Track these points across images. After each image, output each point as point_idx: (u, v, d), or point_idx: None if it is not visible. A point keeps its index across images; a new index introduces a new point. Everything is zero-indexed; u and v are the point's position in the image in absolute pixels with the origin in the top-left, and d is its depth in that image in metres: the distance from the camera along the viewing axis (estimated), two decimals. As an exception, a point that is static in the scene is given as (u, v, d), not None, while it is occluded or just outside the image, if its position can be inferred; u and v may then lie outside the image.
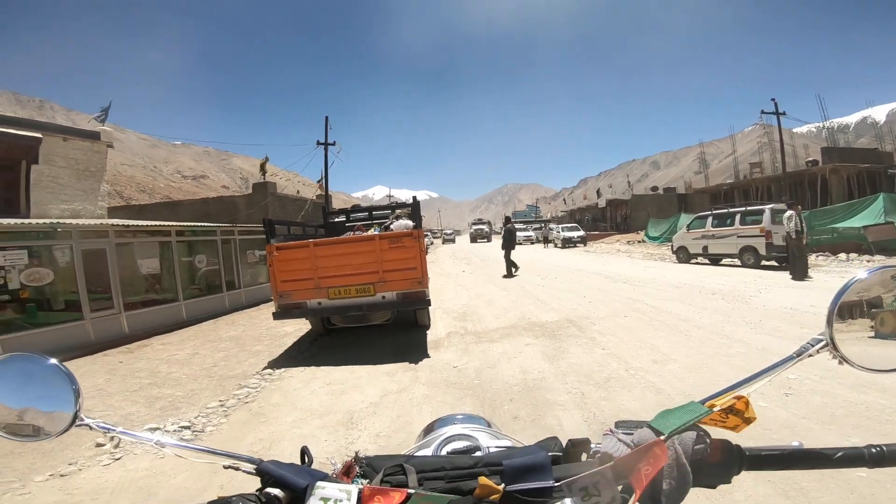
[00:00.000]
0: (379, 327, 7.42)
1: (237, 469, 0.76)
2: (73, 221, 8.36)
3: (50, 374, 0.83)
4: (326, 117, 21.37)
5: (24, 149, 9.67)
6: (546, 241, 36.66)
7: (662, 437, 0.59)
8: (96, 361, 6.93)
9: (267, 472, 0.69)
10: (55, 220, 8.17)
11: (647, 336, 6.00)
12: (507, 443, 1.01)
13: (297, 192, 27.41)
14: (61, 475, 3.40)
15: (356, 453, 0.77)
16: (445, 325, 7.76)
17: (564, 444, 0.72)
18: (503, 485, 0.63)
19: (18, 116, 12.61)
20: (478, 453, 0.95)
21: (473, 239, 47.95)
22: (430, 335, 7.09)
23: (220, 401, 4.85)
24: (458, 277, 14.74)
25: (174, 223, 10.56)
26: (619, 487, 0.61)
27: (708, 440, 0.60)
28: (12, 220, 7.84)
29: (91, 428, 0.82)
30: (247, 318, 10.17)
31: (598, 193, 53.86)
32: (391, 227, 7.37)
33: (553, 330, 6.72)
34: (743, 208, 13.60)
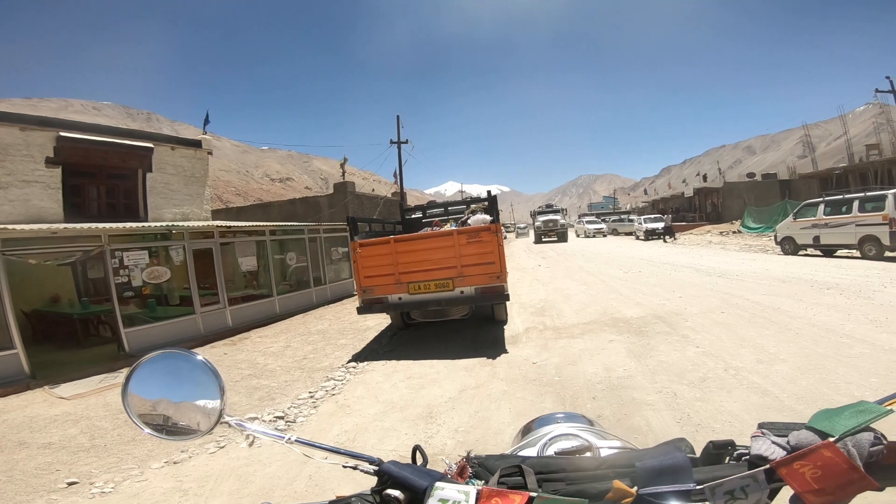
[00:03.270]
0: (457, 322, 7.48)
1: (355, 468, 0.77)
2: (185, 224, 9.32)
3: (198, 371, 0.87)
4: (398, 116, 21.93)
5: (140, 158, 10.88)
6: (618, 233, 34.85)
7: (832, 439, 0.55)
8: (205, 353, 7.58)
9: (388, 473, 0.69)
10: (170, 223, 9.17)
11: (749, 334, 5.48)
12: (618, 443, 0.97)
13: (373, 189, 28.44)
14: (174, 462, 3.69)
15: (468, 453, 0.76)
16: (523, 320, 7.64)
17: (703, 447, 0.67)
18: (636, 487, 0.60)
19: (132, 128, 14.18)
20: (588, 453, 0.91)
21: (539, 238, 31.04)
22: (508, 330, 7.02)
23: (310, 392, 5.12)
24: (534, 272, 14.46)
25: (268, 223, 11.41)
26: (766, 491, 0.57)
27: (885, 441, 0.56)
28: (135, 224, 8.91)
29: (230, 426, 0.85)
30: (332, 313, 10.72)
31: (685, 182, 49.46)
32: (468, 221, 7.38)
33: (639, 326, 6.36)
34: (861, 194, 11.94)
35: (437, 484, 0.64)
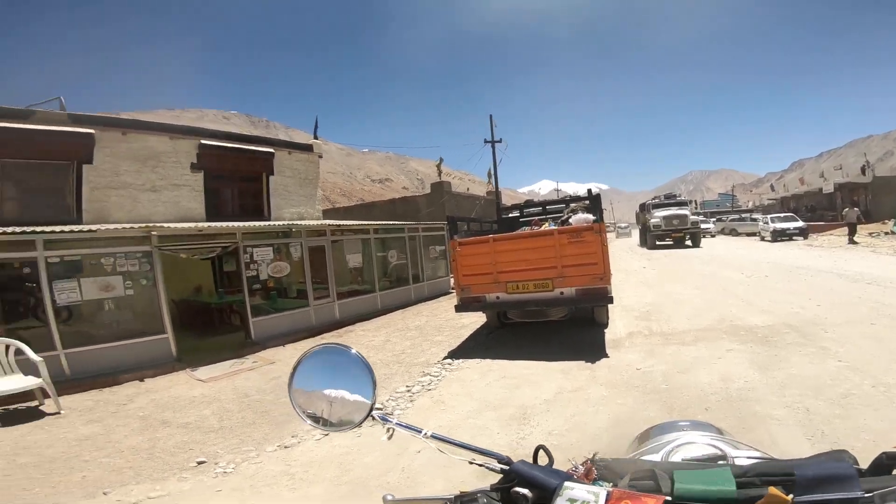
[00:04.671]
0: (554, 323, 7.28)
1: (482, 466, 0.79)
2: (303, 222, 10.22)
3: (354, 366, 0.93)
4: (490, 115, 21.91)
5: (264, 162, 12.13)
6: (737, 233, 30.74)
7: None
8: (314, 343, 8.21)
9: (517, 472, 0.71)
10: (290, 222, 10.11)
11: None
12: (756, 454, 0.88)
13: (468, 189, 28.79)
14: (285, 447, 3.95)
15: (594, 455, 0.75)
16: (626, 324, 7.24)
17: (872, 458, 0.63)
18: (791, 496, 0.57)
19: (256, 135, 15.77)
20: (721, 462, 0.84)
21: (653, 241, 22.84)
22: (609, 334, 6.69)
23: (407, 386, 5.28)
24: (638, 273, 13.59)
25: (372, 223, 12.08)
26: None
27: None
28: (263, 223, 9.94)
29: (373, 419, 0.91)
30: (429, 310, 11.02)
31: (823, 176, 42.57)
32: (569, 221, 7.15)
33: (765, 335, 5.71)
34: None
35: (566, 484, 0.65)
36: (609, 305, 6.72)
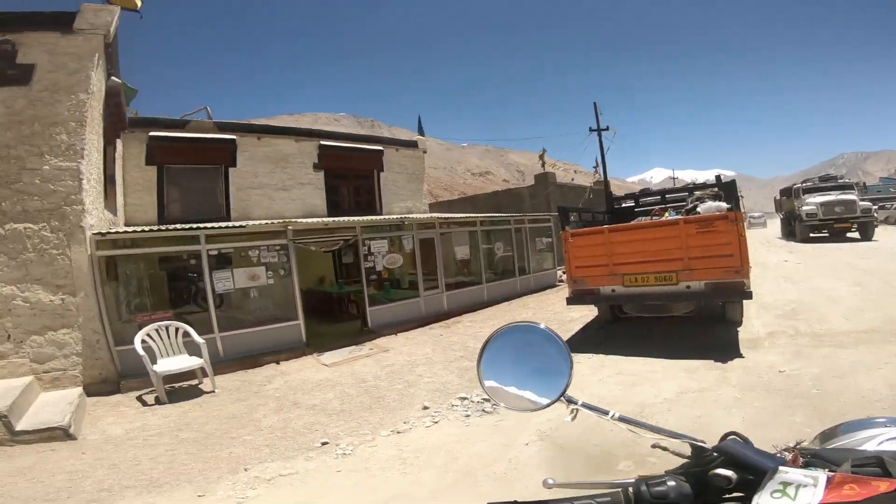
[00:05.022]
0: (672, 320, 6.73)
1: (666, 449, 0.77)
2: (413, 216, 10.66)
3: (548, 345, 0.90)
4: (595, 103, 20.69)
5: (375, 160, 12.87)
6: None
7: None
8: (425, 333, 8.48)
9: (727, 451, 0.68)
10: (401, 216, 10.60)
11: None
12: None
13: (572, 179, 27.71)
14: (398, 432, 4.08)
15: (797, 443, 0.73)
16: (764, 322, 6.46)
17: None
18: None
19: (366, 135, 16.68)
20: None
21: (805, 232, 18.61)
22: (743, 333, 6.04)
23: None
24: (779, 267, 11.96)
25: (478, 215, 12.19)
26: None
27: None
28: (378, 217, 10.55)
29: (560, 400, 0.88)
30: (536, 302, 10.86)
31: None
32: (697, 210, 6.56)
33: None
34: None
35: (781, 468, 0.62)
36: (744, 302, 6.10)
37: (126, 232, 6.65)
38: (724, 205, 6.21)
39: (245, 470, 3.60)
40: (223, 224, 7.75)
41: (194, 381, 6.12)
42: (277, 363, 7.01)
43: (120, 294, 6.72)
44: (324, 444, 3.99)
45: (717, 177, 7.54)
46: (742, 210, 6.03)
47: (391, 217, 10.42)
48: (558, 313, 8.77)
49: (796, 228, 19.83)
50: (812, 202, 18.54)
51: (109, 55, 6.91)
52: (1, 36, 5.86)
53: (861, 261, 11.49)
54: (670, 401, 4.08)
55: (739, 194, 6.50)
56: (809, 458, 0.69)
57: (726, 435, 0.75)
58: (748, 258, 5.65)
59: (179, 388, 5.95)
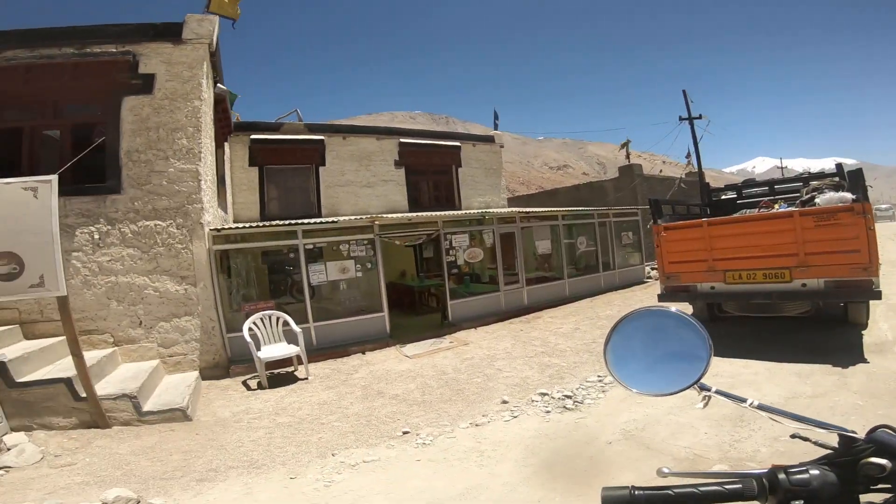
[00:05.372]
0: (781, 321, 6.18)
1: (806, 439, 0.78)
2: (494, 210, 10.65)
3: (684, 330, 0.89)
4: (684, 91, 19.18)
5: (452, 156, 13.04)
6: None
7: None
8: (504, 327, 8.44)
9: (881, 441, 0.66)
10: (483, 210, 10.64)
11: None
12: None
13: (661, 171, 26.04)
14: (476, 425, 4.11)
15: None
16: (893, 325, 5.77)
17: None
18: None
19: (444, 131, 16.84)
20: None
21: None
22: (868, 337, 5.44)
23: (599, 376, 5.05)
24: (915, 264, 10.42)
25: (559, 209, 11.89)
26: None
27: None
28: (459, 212, 10.67)
29: (693, 387, 0.87)
30: (621, 299, 10.38)
31: None
32: (815, 201, 5.90)
33: None
34: None
35: None
36: (871, 303, 5.54)
37: (237, 228, 7.35)
38: (848, 195, 5.54)
39: (332, 455, 3.79)
40: (317, 220, 8.26)
41: (290, 368, 6.53)
42: (363, 353, 7.32)
43: (231, 285, 7.41)
44: (405, 433, 4.11)
45: (839, 165, 6.82)
46: (869, 201, 5.35)
47: (472, 212, 10.47)
48: (647, 311, 8.32)
49: None
50: None
51: (214, 63, 7.52)
52: (122, 48, 6.46)
53: None
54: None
55: (868, 184, 5.78)
56: None
57: (875, 428, 0.71)
58: (878, 254, 5.04)
59: (278, 375, 6.35)
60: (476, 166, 13.37)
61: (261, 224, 7.97)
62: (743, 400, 0.83)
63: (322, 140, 10.97)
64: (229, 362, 6.72)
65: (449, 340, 7.78)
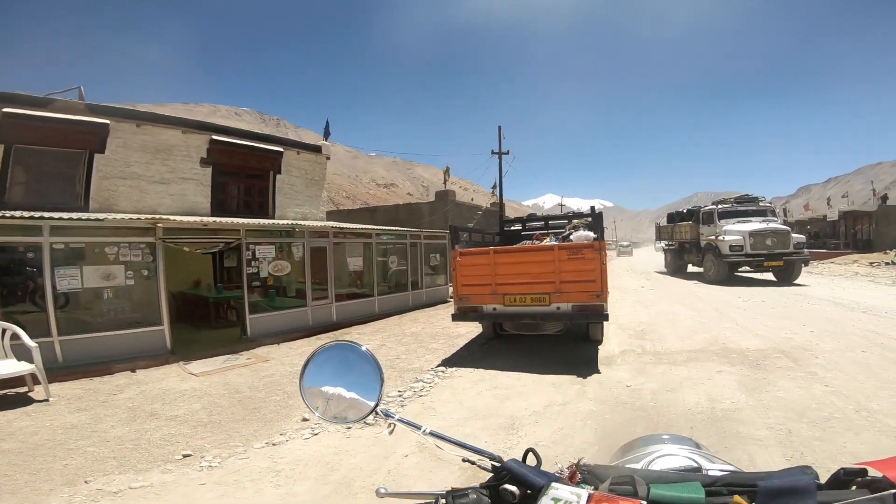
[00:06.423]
0: (548, 337, 7.32)
1: (474, 464, 0.84)
2: (306, 223, 10.27)
3: (363, 362, 1.00)
4: (500, 127, 21.93)
5: (272, 161, 12.26)
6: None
7: None
8: (311, 344, 8.14)
9: (508, 469, 0.75)
10: (293, 222, 10.18)
11: (894, 377, 4.80)
12: (730, 468, 0.93)
13: (472, 199, 28.90)
14: (273, 444, 3.97)
15: (579, 460, 0.80)
16: (620, 341, 7.32)
17: (832, 474, 0.68)
18: None
19: (266, 133, 15.89)
20: (696, 473, 0.89)
21: (743, 265, 14.71)
22: (602, 351, 6.76)
23: (399, 391, 5.30)
24: (636, 293, 13.64)
25: (374, 227, 12.12)
26: None
27: None
28: (267, 221, 10.02)
29: (377, 414, 0.97)
30: (426, 317, 11.04)
31: (829, 203, 42.57)
32: (570, 237, 7.23)
33: (756, 359, 5.80)
34: None
35: (553, 484, 0.69)
36: (604, 323, 6.76)
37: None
38: (591, 234, 6.92)
39: (85, 482, 3.26)
40: (75, 215, 6.84)
41: (23, 389, 5.36)
42: (133, 371, 6.35)
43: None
44: (186, 456, 3.73)
45: (592, 208, 8.29)
46: (615, 239, 6.73)
47: (280, 222, 9.95)
48: (446, 328, 9.02)
49: (710, 264, 15.41)
50: (737, 230, 14.55)
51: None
52: None
53: (700, 289, 13.49)
54: (538, 413, 4.42)
55: (612, 224, 7.26)
56: (585, 475, 0.76)
57: (527, 451, 0.82)
58: (607, 284, 6.33)
59: (4, 396, 5.21)
60: (297, 175, 12.84)
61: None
62: (419, 427, 0.93)
63: (107, 124, 9.18)
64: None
65: (246, 357, 7.24)
